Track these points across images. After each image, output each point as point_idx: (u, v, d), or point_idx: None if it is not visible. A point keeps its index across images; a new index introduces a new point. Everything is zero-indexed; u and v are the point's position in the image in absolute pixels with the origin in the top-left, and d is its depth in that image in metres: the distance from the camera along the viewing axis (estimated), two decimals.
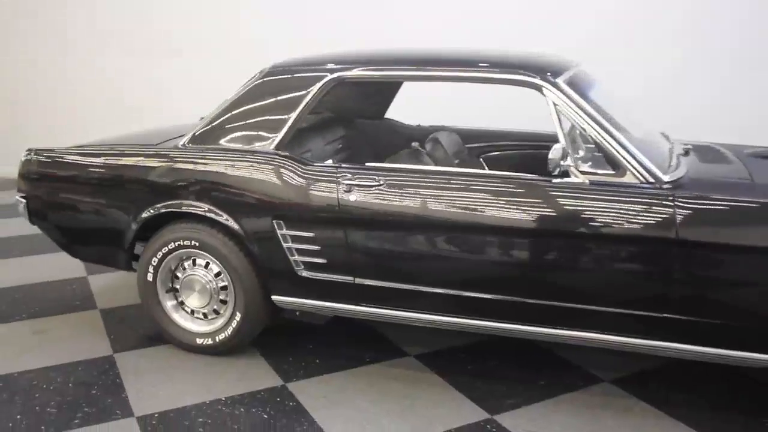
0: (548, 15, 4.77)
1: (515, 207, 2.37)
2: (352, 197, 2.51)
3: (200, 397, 2.54)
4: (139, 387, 2.61)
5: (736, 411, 2.48)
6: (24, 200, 2.98)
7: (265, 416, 2.41)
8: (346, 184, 2.52)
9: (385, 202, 2.49)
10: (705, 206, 2.23)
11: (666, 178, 2.30)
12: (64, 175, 2.90)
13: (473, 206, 2.41)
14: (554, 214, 2.33)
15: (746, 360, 2.28)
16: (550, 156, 2.29)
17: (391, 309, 2.59)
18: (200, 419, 2.39)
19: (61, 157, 2.91)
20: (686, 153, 2.73)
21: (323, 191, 2.54)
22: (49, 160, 2.92)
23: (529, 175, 2.40)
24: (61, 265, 3.81)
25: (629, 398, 2.57)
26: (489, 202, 2.39)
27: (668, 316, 2.29)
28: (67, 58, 5.98)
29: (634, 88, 4.58)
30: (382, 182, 2.50)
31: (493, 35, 4.76)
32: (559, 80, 2.41)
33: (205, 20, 5.52)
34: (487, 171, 2.59)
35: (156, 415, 2.42)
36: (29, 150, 2.98)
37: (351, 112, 3.74)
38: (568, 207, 2.32)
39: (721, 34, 4.54)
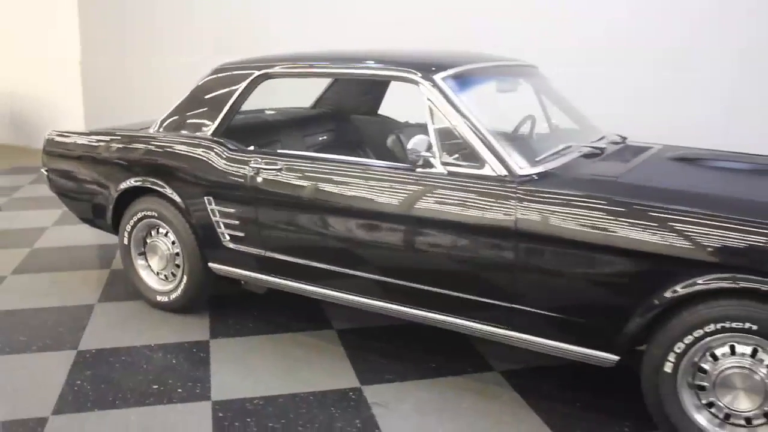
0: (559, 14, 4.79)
1: (382, 193, 2.56)
2: (259, 179, 2.85)
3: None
4: None
5: (603, 414, 2.46)
6: (45, 172, 3.71)
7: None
8: (255, 168, 2.87)
9: (284, 184, 2.80)
10: (542, 199, 2.27)
11: (521, 172, 2.36)
12: (70, 153, 3.55)
13: (349, 191, 2.64)
14: (413, 200, 2.49)
15: (573, 353, 2.31)
16: (408, 146, 2.46)
17: (294, 281, 2.90)
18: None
19: (69, 138, 3.58)
20: (600, 151, 2.72)
21: (238, 173, 2.91)
22: (61, 140, 3.60)
23: (396, 164, 2.57)
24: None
25: (505, 388, 2.65)
26: (362, 188, 2.61)
27: (510, 305, 2.37)
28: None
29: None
30: (282, 167, 2.81)
31: (498, 36, 4.86)
32: (437, 77, 2.55)
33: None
34: (363, 159, 2.77)
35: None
36: (51, 131, 3.69)
37: (348, 109, 4.06)
38: (425, 195, 2.47)
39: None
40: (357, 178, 2.64)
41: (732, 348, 2.10)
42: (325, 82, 4.08)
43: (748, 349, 2.08)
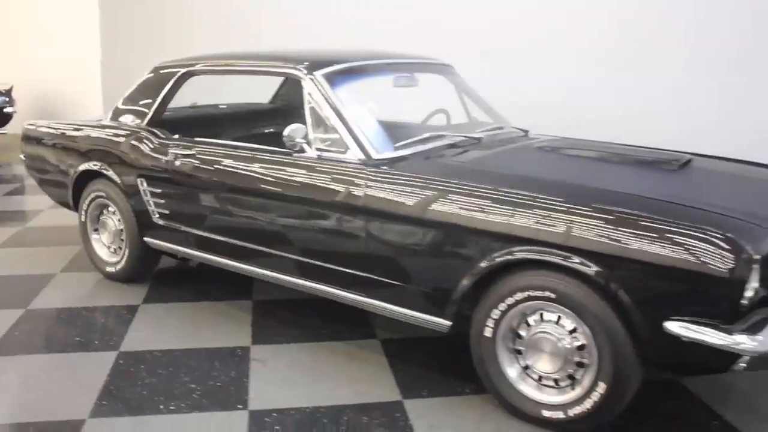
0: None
1: (265, 175, 2.92)
2: (177, 163, 3.25)
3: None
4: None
5: (452, 377, 2.71)
6: (24, 159, 4.22)
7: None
8: (174, 153, 3.26)
9: (194, 167, 3.18)
10: (384, 180, 2.57)
11: (376, 156, 2.67)
12: (41, 141, 4.04)
13: (242, 173, 3.00)
14: (288, 182, 2.84)
15: (417, 318, 2.58)
16: (284, 133, 2.79)
17: (206, 253, 3.28)
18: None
19: (41, 128, 4.07)
20: (476, 141, 3.00)
21: (162, 158, 3.32)
22: (35, 130, 4.10)
23: (277, 149, 2.91)
24: None
25: (376, 354, 2.94)
26: (251, 170, 2.97)
27: (364, 275, 2.67)
28: None
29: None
30: (194, 152, 3.19)
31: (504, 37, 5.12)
32: (316, 73, 2.88)
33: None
34: (256, 145, 3.10)
35: None
36: (27, 122, 4.20)
37: (300, 104, 4.42)
38: (298, 177, 2.81)
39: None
40: (249, 162, 3.00)
41: (541, 315, 2.35)
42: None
43: (554, 317, 2.32)
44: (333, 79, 2.89)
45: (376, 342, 3.05)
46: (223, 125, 3.99)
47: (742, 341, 1.98)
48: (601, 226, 2.14)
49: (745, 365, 2.08)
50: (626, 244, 2.09)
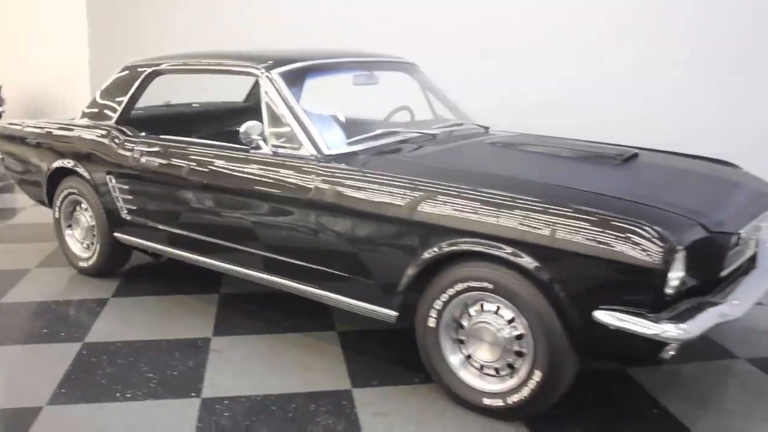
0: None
1: (224, 171, 3.00)
2: (142, 160, 3.33)
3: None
4: None
5: (403, 367, 2.78)
6: (1, 155, 4.31)
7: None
8: (139, 151, 3.34)
9: (158, 164, 3.26)
10: (332, 174, 2.65)
11: (327, 152, 2.75)
12: (17, 140, 4.12)
13: (203, 170, 3.08)
14: (245, 177, 2.91)
15: (366, 309, 2.65)
16: (241, 130, 2.86)
17: (170, 248, 3.36)
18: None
19: (16, 126, 4.15)
20: (431, 137, 3.07)
21: (128, 154, 3.40)
22: (11, 128, 4.19)
23: (235, 145, 2.98)
24: None
25: (333, 345, 3.01)
26: (212, 167, 3.04)
27: (317, 267, 2.74)
28: None
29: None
30: (158, 149, 3.27)
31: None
32: (273, 72, 2.95)
33: None
34: (217, 142, 3.17)
35: None
36: (3, 121, 4.29)
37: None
38: (254, 172, 2.88)
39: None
40: (208, 159, 3.07)
41: (482, 305, 2.42)
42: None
43: (494, 307, 2.39)
44: (289, 78, 2.96)
45: (334, 334, 3.12)
46: (194, 123, 4.07)
47: (667, 329, 2.05)
48: (530, 217, 2.21)
49: (673, 353, 2.16)
50: (554, 234, 2.16)
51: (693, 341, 2.18)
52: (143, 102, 4.31)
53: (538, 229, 2.19)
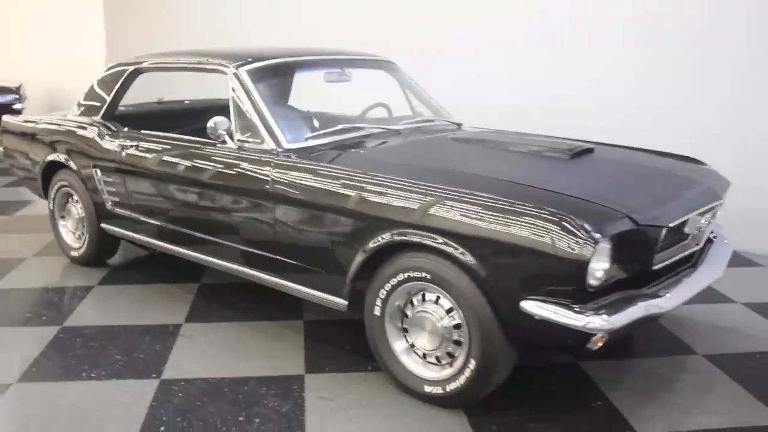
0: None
1: (194, 164, 3.13)
2: (123, 153, 3.48)
3: None
4: None
5: (360, 355, 2.87)
6: (2, 149, 4.53)
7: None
8: (121, 145, 3.50)
9: (137, 157, 3.41)
10: (287, 168, 2.75)
11: (286, 146, 2.85)
12: (17, 134, 4.33)
13: (176, 163, 3.21)
14: (213, 170, 3.04)
15: (319, 297, 2.75)
16: (208, 125, 2.98)
17: (150, 238, 3.50)
18: None
19: (17, 122, 4.36)
20: (397, 132, 3.15)
21: (112, 148, 3.56)
22: (12, 124, 4.40)
23: (204, 140, 3.10)
24: None
25: (297, 333, 3.12)
26: (184, 160, 3.18)
27: (275, 256, 2.86)
28: None
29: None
30: (137, 143, 3.42)
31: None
32: (240, 69, 3.06)
33: None
34: (189, 137, 3.29)
35: None
36: (5, 117, 4.51)
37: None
38: (220, 166, 3.01)
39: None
40: (181, 152, 3.21)
41: (423, 295, 2.49)
42: None
43: (434, 297, 2.46)
44: (256, 75, 3.07)
45: (301, 323, 3.23)
46: (183, 119, 4.22)
47: (591, 321, 2.10)
48: (458, 208, 2.29)
49: (601, 344, 2.20)
50: (481, 225, 2.23)
51: (619, 333, 2.23)
52: (141, 99, 4.50)
53: (466, 219, 2.26)
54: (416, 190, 2.40)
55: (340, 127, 3.08)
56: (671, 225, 2.26)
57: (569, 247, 2.07)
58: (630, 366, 2.89)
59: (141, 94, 4.69)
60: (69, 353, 2.93)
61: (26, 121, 4.28)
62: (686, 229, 2.50)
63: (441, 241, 2.29)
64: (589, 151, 2.88)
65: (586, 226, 2.08)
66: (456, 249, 2.27)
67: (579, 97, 4.91)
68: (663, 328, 3.25)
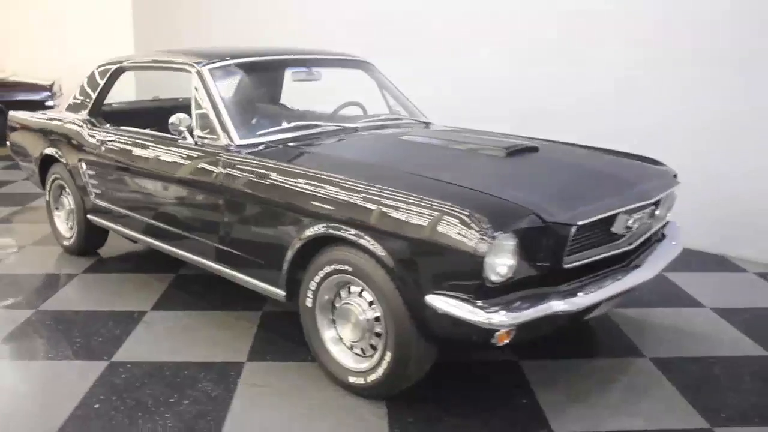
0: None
1: (159, 159, 3.28)
2: (103, 148, 3.67)
3: None
4: None
5: (298, 345, 2.91)
6: (8, 143, 4.81)
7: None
8: (101, 140, 3.68)
9: (113, 151, 3.60)
10: (233, 163, 2.87)
11: (237, 142, 2.96)
12: (20, 129, 4.60)
13: (144, 157, 3.38)
14: (174, 164, 3.19)
15: (262, 288, 2.84)
16: (170, 121, 3.12)
17: (128, 230, 3.67)
18: None
19: (19, 117, 4.62)
20: (354, 130, 3.23)
21: (93, 143, 3.75)
22: (16, 119, 4.66)
23: (168, 135, 3.24)
24: None
25: (252, 324, 3.22)
26: (150, 154, 3.34)
27: (223, 247, 2.97)
28: None
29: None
30: (114, 138, 3.60)
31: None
32: (203, 69, 3.18)
33: None
34: (155, 132, 3.42)
35: None
36: (11, 113, 4.78)
37: (253, 98, 4.77)
38: (180, 160, 3.15)
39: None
40: (148, 147, 3.37)
41: (349, 288, 2.55)
42: None
43: (358, 289, 2.52)
44: (217, 74, 3.19)
45: (258, 314, 3.34)
46: (169, 116, 4.38)
47: (490, 317, 2.12)
48: (370, 201, 2.35)
49: (507, 341, 2.21)
50: (389, 218, 2.29)
51: (532, 331, 2.25)
52: (139, 96, 4.68)
53: (375, 212, 2.32)
54: (335, 183, 2.48)
55: (294, 124, 3.17)
56: (580, 224, 2.25)
57: (467, 241, 2.10)
58: (572, 366, 2.88)
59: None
60: (35, 335, 3.13)
61: (25, 118, 4.54)
62: (613, 229, 2.48)
63: (354, 233, 2.36)
64: (533, 149, 2.88)
65: (484, 221, 2.10)
66: (368, 241, 2.33)
67: (581, 101, 4.88)
68: (619, 330, 3.22)
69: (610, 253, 2.48)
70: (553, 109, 4.90)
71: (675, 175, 3.01)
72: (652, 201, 2.60)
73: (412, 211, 2.24)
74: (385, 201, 2.31)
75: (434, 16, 5.75)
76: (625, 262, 2.60)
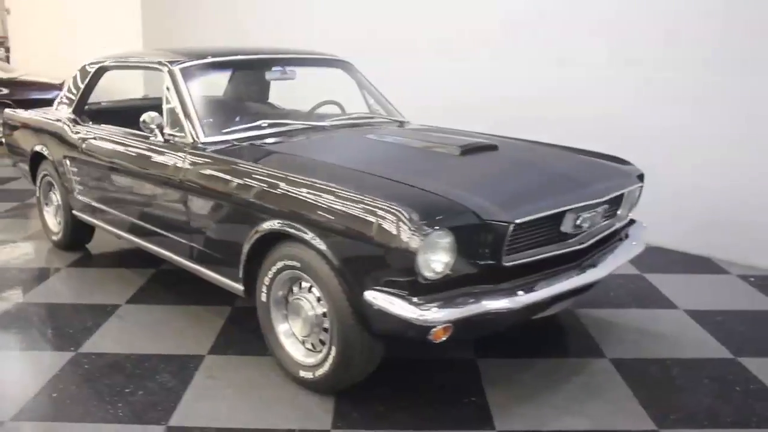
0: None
1: (131, 155, 3.36)
2: (84, 145, 3.76)
3: None
4: None
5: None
6: (3, 140, 4.95)
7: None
8: (82, 137, 3.78)
9: (91, 148, 3.69)
10: (195, 160, 2.94)
11: (202, 139, 3.02)
12: (13, 125, 4.72)
13: (118, 154, 3.46)
14: (144, 160, 3.26)
15: (224, 283, 2.90)
16: (141, 119, 3.19)
17: (105, 224, 3.77)
18: None
19: (14, 115, 4.75)
20: (323, 129, 3.27)
21: (75, 140, 3.85)
22: (10, 117, 4.78)
23: (140, 133, 3.31)
24: None
25: (223, 318, 3.28)
26: (124, 151, 3.42)
27: (189, 243, 3.04)
28: None
29: None
30: (93, 136, 3.69)
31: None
32: (174, 68, 3.25)
33: None
34: (131, 130, 3.49)
35: None
36: (5, 110, 4.92)
37: (243, 97, 4.84)
38: (150, 156, 3.22)
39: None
40: (123, 145, 3.45)
41: (300, 283, 2.59)
42: None
43: (308, 285, 2.56)
44: (188, 74, 3.25)
45: (228, 308, 3.39)
46: None
47: (423, 313, 2.14)
48: (312, 197, 2.40)
49: (445, 338, 2.22)
50: (329, 213, 2.32)
51: (472, 329, 2.26)
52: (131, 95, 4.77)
53: (316, 207, 2.37)
54: (288, 181, 2.53)
55: (260, 123, 3.23)
56: (518, 222, 2.25)
57: (399, 237, 2.12)
58: (529, 365, 2.88)
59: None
60: (12, 325, 3.23)
61: (20, 115, 4.67)
62: (562, 228, 2.48)
63: (301, 229, 2.40)
64: (491, 148, 2.89)
65: (416, 217, 2.12)
66: (313, 237, 2.36)
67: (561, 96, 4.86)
68: (585, 331, 3.21)
69: (557, 252, 2.48)
70: (542, 114, 4.87)
71: (640, 176, 2.99)
72: (603, 200, 2.59)
73: (352, 207, 2.27)
74: (328, 198, 2.35)
75: (431, 16, 5.77)
76: (578, 261, 2.59)
